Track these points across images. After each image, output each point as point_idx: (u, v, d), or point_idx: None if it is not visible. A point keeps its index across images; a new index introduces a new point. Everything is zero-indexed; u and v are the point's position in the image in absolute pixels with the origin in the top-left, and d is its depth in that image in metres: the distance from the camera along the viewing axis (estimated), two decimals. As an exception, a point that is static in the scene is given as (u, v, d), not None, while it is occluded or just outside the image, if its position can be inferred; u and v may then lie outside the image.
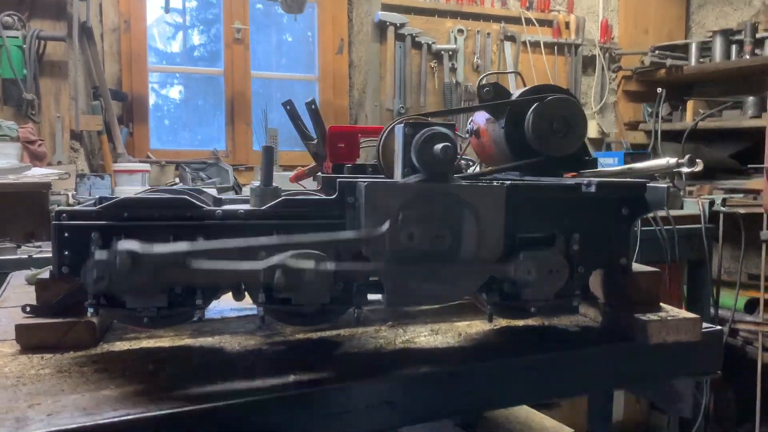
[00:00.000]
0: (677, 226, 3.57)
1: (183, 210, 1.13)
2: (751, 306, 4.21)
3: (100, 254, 1.00)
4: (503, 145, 1.48)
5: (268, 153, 1.32)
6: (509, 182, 1.21)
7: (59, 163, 3.40)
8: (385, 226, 1.10)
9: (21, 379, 1.02)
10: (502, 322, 1.30)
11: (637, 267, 1.31)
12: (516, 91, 1.49)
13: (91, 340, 1.19)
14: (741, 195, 4.08)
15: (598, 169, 1.43)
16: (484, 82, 1.51)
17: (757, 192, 3.94)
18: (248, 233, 1.14)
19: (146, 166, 3.51)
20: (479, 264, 1.16)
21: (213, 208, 1.15)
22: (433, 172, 1.16)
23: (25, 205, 2.63)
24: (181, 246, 1.03)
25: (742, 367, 3.89)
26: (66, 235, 1.10)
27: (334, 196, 1.19)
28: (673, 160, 1.26)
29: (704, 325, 1.28)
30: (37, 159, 3.13)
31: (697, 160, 1.26)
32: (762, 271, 3.75)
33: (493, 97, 1.47)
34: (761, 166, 3.62)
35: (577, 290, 1.25)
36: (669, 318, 1.19)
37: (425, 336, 1.24)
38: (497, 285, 1.22)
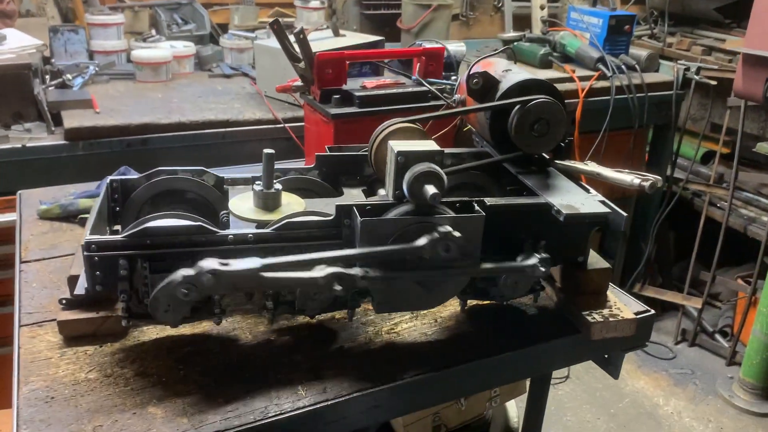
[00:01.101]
0: (649, 93, 3.69)
1: (199, 236, 1.27)
2: (707, 158, 4.49)
3: (186, 271, 1.15)
4: (486, 129, 1.58)
5: (270, 159, 1.42)
6: (489, 204, 1.36)
7: (28, 12, 3.27)
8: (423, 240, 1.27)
9: (76, 388, 1.23)
10: (470, 302, 1.52)
11: (591, 261, 1.52)
12: (504, 79, 1.55)
13: (123, 330, 1.40)
14: (718, 54, 4.13)
15: (569, 164, 1.56)
16: (474, 70, 1.56)
17: (733, 54, 3.99)
18: (257, 254, 1.30)
19: (120, 18, 3.39)
20: (462, 278, 1.35)
21: (225, 233, 1.28)
22: (421, 207, 1.30)
23: (8, 86, 2.63)
24: (254, 263, 1.19)
25: (686, 215, 4.27)
26: (96, 259, 1.25)
27: (331, 218, 1.33)
28: (637, 180, 1.40)
29: (638, 309, 1.54)
30: (8, 18, 3.02)
31: (657, 184, 1.40)
32: (724, 126, 3.94)
33: (482, 87, 1.54)
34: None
35: (540, 285, 1.47)
36: (611, 320, 1.43)
37: (407, 323, 1.47)
38: (470, 286, 1.43)
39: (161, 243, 1.26)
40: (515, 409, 2.49)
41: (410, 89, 2.14)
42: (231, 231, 1.30)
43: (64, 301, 1.40)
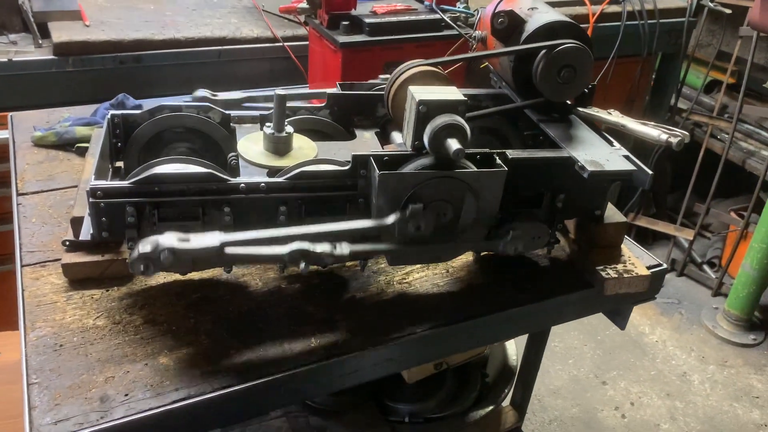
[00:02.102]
0: (661, 20, 3.57)
1: (210, 184, 1.22)
2: (711, 87, 4.40)
3: (143, 247, 1.13)
4: (508, 73, 1.51)
5: (281, 100, 1.34)
6: (511, 158, 1.31)
7: None
8: (392, 218, 1.23)
9: (85, 335, 1.21)
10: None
11: (608, 214, 1.48)
12: (530, 19, 1.46)
13: (129, 273, 1.36)
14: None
15: (591, 112, 1.49)
16: (499, 8, 1.47)
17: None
18: (270, 204, 1.25)
19: None
20: (473, 242, 1.32)
21: (237, 181, 1.23)
22: (442, 161, 1.24)
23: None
24: (214, 240, 1.16)
25: (686, 146, 4.23)
26: (102, 206, 1.19)
27: (347, 168, 1.27)
28: (664, 136, 1.35)
29: (651, 263, 1.53)
30: None
31: (685, 140, 1.35)
32: (734, 55, 3.84)
33: (507, 26, 1.45)
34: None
35: (555, 238, 1.45)
36: (625, 276, 1.42)
37: (418, 272, 1.44)
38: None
39: (170, 190, 1.21)
40: (514, 347, 2.53)
41: (423, 17, 2.03)
42: (242, 179, 1.24)
43: (67, 243, 1.35)
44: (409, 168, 1.25)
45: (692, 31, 3.75)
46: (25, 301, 1.28)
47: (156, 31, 2.63)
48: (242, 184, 1.23)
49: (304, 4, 2.04)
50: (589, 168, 1.29)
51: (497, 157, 1.31)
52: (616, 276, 1.42)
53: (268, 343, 1.23)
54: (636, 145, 4.18)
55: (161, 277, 1.36)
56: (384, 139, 1.54)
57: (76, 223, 1.34)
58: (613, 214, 1.50)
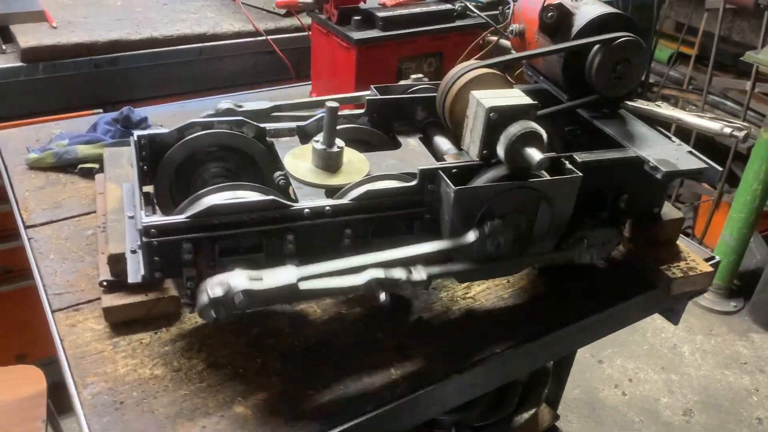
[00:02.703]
0: (634, -4, 3.56)
1: (272, 212, 1.11)
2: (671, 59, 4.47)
3: (213, 291, 1.02)
4: (556, 69, 1.44)
5: (333, 112, 1.23)
6: (581, 161, 1.25)
7: None
8: (472, 236, 1.15)
9: (145, 388, 1.09)
10: (540, 257, 1.44)
11: (664, 210, 1.45)
12: (578, 12, 1.39)
13: (176, 311, 1.24)
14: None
15: (639, 106, 1.45)
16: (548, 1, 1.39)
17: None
18: (334, 228, 1.16)
19: None
20: (545, 254, 1.26)
21: (301, 206, 1.12)
22: (518, 171, 1.17)
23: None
24: (289, 276, 1.06)
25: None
26: (155, 244, 1.07)
27: (415, 184, 1.18)
28: (728, 129, 1.31)
29: (704, 255, 1.50)
30: None
31: (750, 132, 1.32)
32: (701, 29, 3.88)
33: (556, 20, 1.38)
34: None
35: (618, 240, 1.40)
36: (690, 274, 1.38)
37: (479, 285, 1.37)
38: (550, 246, 1.33)
39: (230, 222, 1.09)
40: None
41: (434, 8, 1.94)
42: (306, 204, 1.13)
43: (105, 283, 1.22)
44: (482, 180, 1.18)
45: (662, 5, 3.77)
46: (66, 353, 1.15)
47: (131, 30, 2.44)
48: (306, 209, 1.13)
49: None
50: (664, 168, 1.24)
51: (566, 162, 1.24)
52: (682, 275, 1.38)
53: (346, 379, 1.14)
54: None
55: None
56: (427, 144, 1.45)
57: (115, 261, 1.21)
58: (669, 210, 1.46)
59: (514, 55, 1.35)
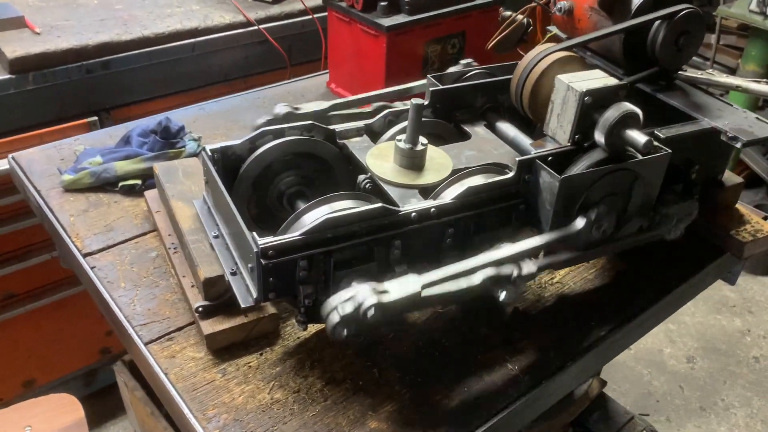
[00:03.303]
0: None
1: (381, 219, 1.07)
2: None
3: (343, 308, 0.99)
4: (611, 45, 1.43)
5: (418, 109, 1.20)
6: (665, 137, 1.25)
7: None
8: (581, 223, 1.15)
9: (271, 414, 1.05)
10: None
11: (726, 178, 1.48)
12: (634, -14, 1.39)
13: (275, 329, 1.20)
14: None
15: (696, 77, 1.46)
16: (605, -22, 1.38)
17: None
18: (438, 229, 1.13)
19: None
20: (637, 233, 1.27)
21: (408, 210, 1.09)
22: (617, 153, 1.17)
23: None
24: (415, 285, 1.03)
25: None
26: (270, 265, 1.02)
27: (512, 176, 1.17)
28: (790, 94, 1.35)
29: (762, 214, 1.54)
30: None
31: (811, 95, 1.35)
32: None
33: (614, -2, 1.37)
34: None
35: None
36: (758, 236, 1.42)
37: (563, 269, 1.38)
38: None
39: (343, 234, 1.05)
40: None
41: (455, -14, 1.90)
42: (412, 207, 1.10)
43: (200, 309, 1.16)
44: (582, 166, 1.17)
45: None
46: (176, 387, 1.09)
47: (119, 30, 2.31)
48: (413, 213, 1.10)
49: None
50: (743, 138, 1.27)
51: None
52: (752, 239, 1.42)
53: (468, 379, 1.13)
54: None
55: (310, 326, 1.21)
56: (492, 131, 1.43)
57: (210, 285, 1.16)
58: (729, 176, 1.49)
59: (585, 36, 1.34)
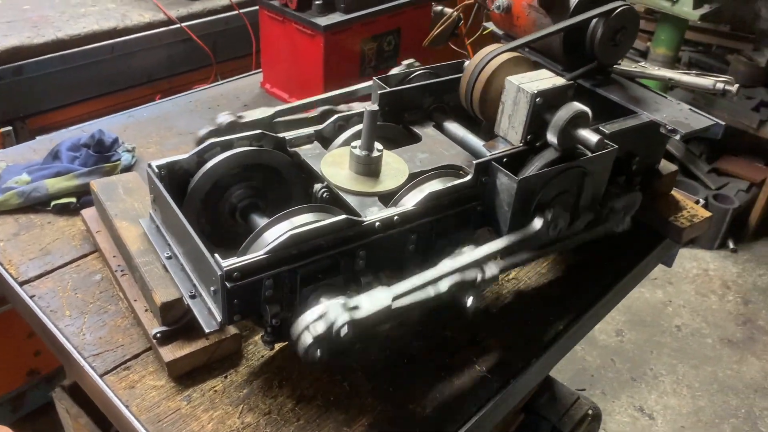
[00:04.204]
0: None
1: (346, 231, 1.06)
2: None
3: (314, 328, 0.97)
4: (550, 42, 1.46)
5: (372, 117, 1.18)
6: (610, 132, 1.29)
7: None
8: (538, 223, 1.17)
9: (244, 439, 1.02)
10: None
11: (662, 167, 1.54)
12: (571, -15, 1.41)
13: (237, 349, 1.16)
14: None
15: (630, 70, 1.51)
16: (544, -23, 1.40)
17: None
18: (401, 236, 1.13)
19: None
20: (592, 231, 1.31)
21: (372, 219, 1.08)
22: (568, 152, 1.19)
23: None
24: (386, 298, 1.03)
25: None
26: (235, 287, 0.99)
27: (469, 178, 1.17)
28: (720, 84, 1.41)
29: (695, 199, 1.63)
30: None
31: (737, 85, 1.42)
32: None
33: (553, -4, 1.39)
34: None
35: (629, 201, 1.47)
36: (695, 222, 1.49)
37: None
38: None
39: (308, 249, 1.03)
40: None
41: (388, -16, 1.88)
42: (376, 217, 1.09)
43: (158, 335, 1.11)
44: (536, 166, 1.19)
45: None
46: (140, 420, 1.04)
47: (30, 33, 2.16)
48: (377, 223, 1.09)
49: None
50: (681, 130, 1.32)
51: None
52: (689, 224, 1.49)
53: (438, 384, 1.14)
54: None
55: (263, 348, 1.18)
56: (440, 130, 1.43)
57: (167, 309, 1.10)
58: (664, 164, 1.56)
59: (532, 35, 1.35)
